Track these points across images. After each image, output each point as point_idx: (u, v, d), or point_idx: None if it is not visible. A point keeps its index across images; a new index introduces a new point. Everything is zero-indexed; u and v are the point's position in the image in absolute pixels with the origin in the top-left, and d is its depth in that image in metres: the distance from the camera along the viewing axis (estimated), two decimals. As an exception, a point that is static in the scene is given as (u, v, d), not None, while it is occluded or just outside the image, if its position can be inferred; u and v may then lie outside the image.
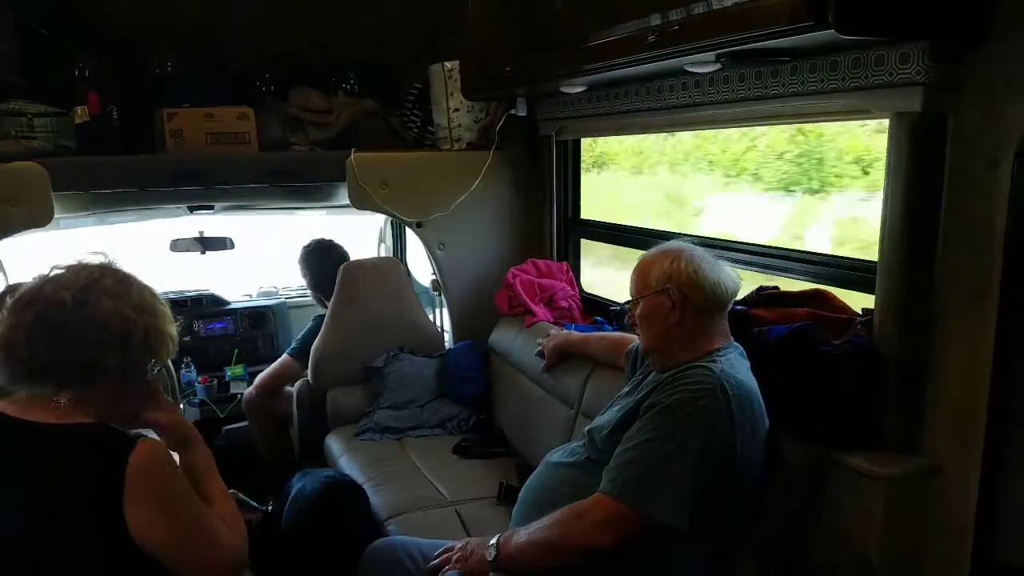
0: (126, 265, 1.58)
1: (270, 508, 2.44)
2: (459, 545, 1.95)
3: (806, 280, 2.17)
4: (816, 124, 2.36)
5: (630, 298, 1.98)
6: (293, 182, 3.28)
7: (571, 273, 3.40)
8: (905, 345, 1.77)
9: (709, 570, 1.80)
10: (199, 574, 1.50)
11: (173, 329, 1.59)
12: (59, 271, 1.50)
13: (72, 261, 1.52)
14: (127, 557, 1.39)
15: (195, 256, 4.25)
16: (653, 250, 1.97)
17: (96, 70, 3.22)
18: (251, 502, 2.10)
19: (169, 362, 2.98)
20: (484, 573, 1.86)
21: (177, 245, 4.18)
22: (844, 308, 1.97)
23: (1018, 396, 1.60)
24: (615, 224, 3.36)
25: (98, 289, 1.47)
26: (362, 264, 3.50)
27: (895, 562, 1.77)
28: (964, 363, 1.68)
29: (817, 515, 1.86)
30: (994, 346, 1.60)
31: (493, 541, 1.86)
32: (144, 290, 1.55)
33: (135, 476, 1.37)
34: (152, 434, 1.60)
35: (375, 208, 3.29)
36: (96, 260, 1.54)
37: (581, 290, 3.42)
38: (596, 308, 3.27)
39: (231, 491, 1.94)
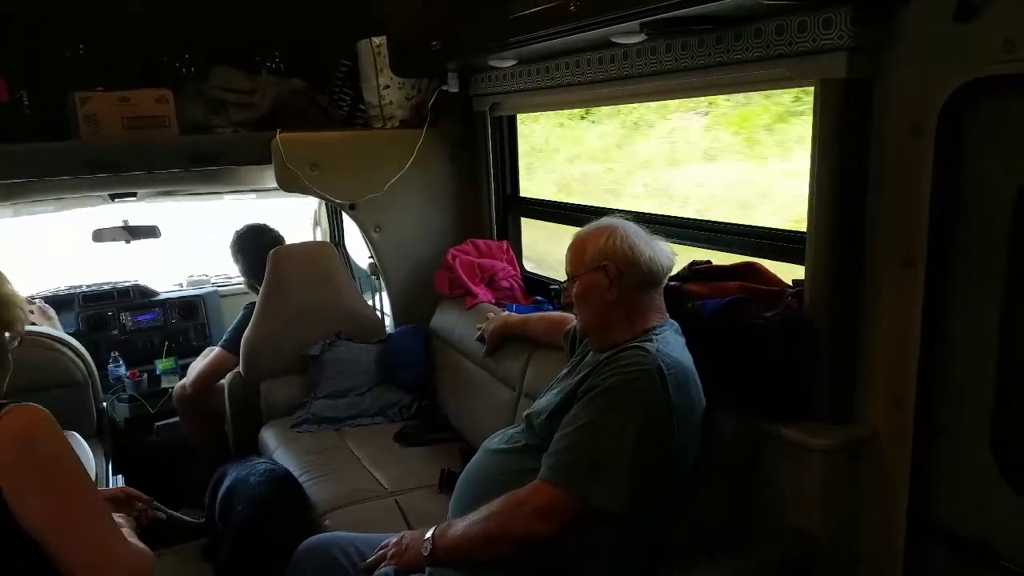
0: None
1: (202, 520, 2.37)
2: (394, 540, 1.89)
3: (738, 253, 2.15)
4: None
5: (567, 277, 1.94)
6: (216, 166, 3.12)
7: (511, 252, 3.35)
8: (835, 315, 1.77)
9: (649, 550, 1.77)
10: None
11: (7, 288, 1.46)
12: None
13: None
14: (14, 547, 1.28)
15: (121, 246, 4.06)
16: (587, 227, 1.93)
17: (3, 54, 3.02)
18: (184, 518, 2.01)
19: None
20: (420, 568, 1.80)
21: (101, 235, 3.99)
22: (775, 280, 1.96)
23: (945, 361, 1.61)
24: (554, 202, 3.31)
25: None
26: (292, 249, 3.37)
27: (833, 529, 1.78)
28: (894, 330, 1.68)
29: (755, 488, 1.86)
30: (922, 312, 1.60)
31: (429, 535, 1.81)
32: None
33: (5, 448, 1.26)
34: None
35: (304, 190, 3.16)
36: None
37: (522, 269, 3.37)
38: (538, 287, 3.23)
39: (160, 507, 1.85)
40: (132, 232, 3.97)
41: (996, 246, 1.47)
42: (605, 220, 1.93)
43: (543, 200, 3.34)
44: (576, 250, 1.91)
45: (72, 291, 4.16)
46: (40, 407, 1.36)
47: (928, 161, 1.54)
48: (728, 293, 1.92)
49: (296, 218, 4.60)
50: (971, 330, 1.55)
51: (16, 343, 1.47)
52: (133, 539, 1.54)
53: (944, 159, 1.53)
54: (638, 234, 1.87)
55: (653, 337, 1.78)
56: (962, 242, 1.54)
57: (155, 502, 1.86)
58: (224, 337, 3.48)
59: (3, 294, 1.42)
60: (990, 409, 1.52)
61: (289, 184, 3.13)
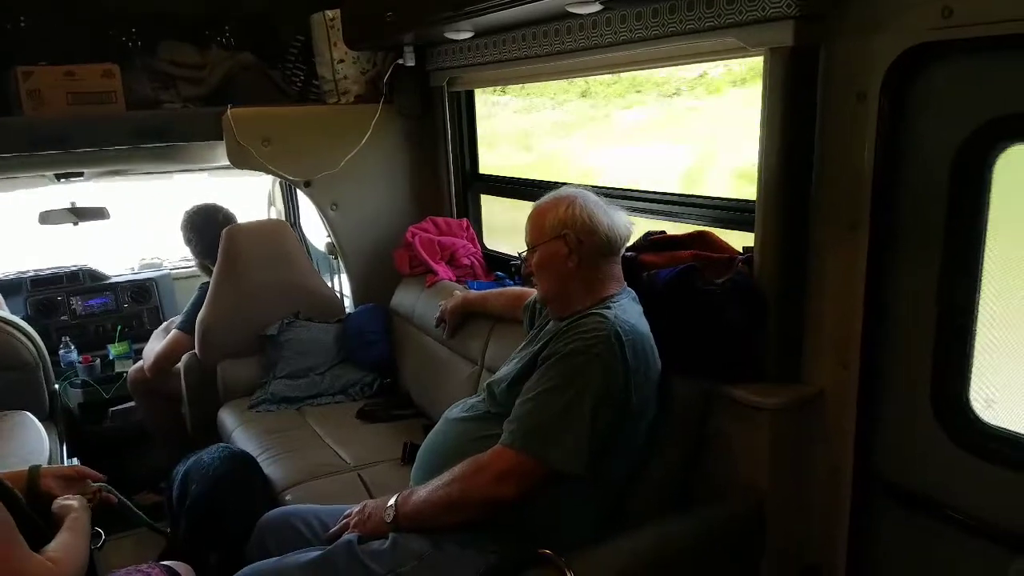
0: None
1: (168, 529, 2.35)
2: (356, 509, 1.89)
3: (692, 223, 2.19)
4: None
5: (527, 247, 1.95)
6: (165, 142, 3.05)
7: (472, 230, 3.34)
8: (783, 280, 1.82)
9: (608, 511, 1.81)
10: None
11: None
12: None
13: None
14: None
15: (69, 229, 3.95)
16: (546, 197, 1.94)
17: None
18: (153, 524, 2.00)
19: None
20: (384, 535, 1.81)
21: (48, 217, 3.87)
22: (725, 247, 2.00)
23: (888, 321, 1.66)
24: (514, 178, 3.31)
25: None
26: (246, 227, 3.31)
27: (782, 484, 1.84)
28: (839, 293, 1.74)
29: (707, 448, 1.91)
30: (866, 274, 1.65)
31: (391, 502, 1.82)
32: None
33: None
34: None
35: (257, 167, 3.11)
36: None
37: (483, 246, 3.37)
38: (499, 264, 3.23)
39: (112, 491, 1.81)
40: (79, 214, 3.87)
41: (935, 209, 1.53)
42: (564, 190, 1.95)
43: (503, 177, 3.33)
44: (535, 220, 1.92)
45: (20, 276, 4.04)
46: None
47: (872, 127, 1.59)
48: (682, 262, 1.95)
49: (250, 200, 4.53)
50: (912, 292, 1.61)
51: None
52: (69, 536, 1.50)
53: (887, 125, 1.57)
54: (597, 204, 1.89)
55: (611, 304, 1.81)
56: (904, 206, 1.60)
57: (108, 486, 1.83)
58: (180, 318, 3.42)
59: None
60: (930, 368, 1.58)
61: (241, 161, 3.08)
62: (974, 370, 1.51)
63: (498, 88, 3.38)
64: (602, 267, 1.87)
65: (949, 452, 1.57)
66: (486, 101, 3.46)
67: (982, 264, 1.47)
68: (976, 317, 1.49)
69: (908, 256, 1.61)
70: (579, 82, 3.07)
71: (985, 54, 1.43)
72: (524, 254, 1.98)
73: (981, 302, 1.48)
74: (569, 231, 1.84)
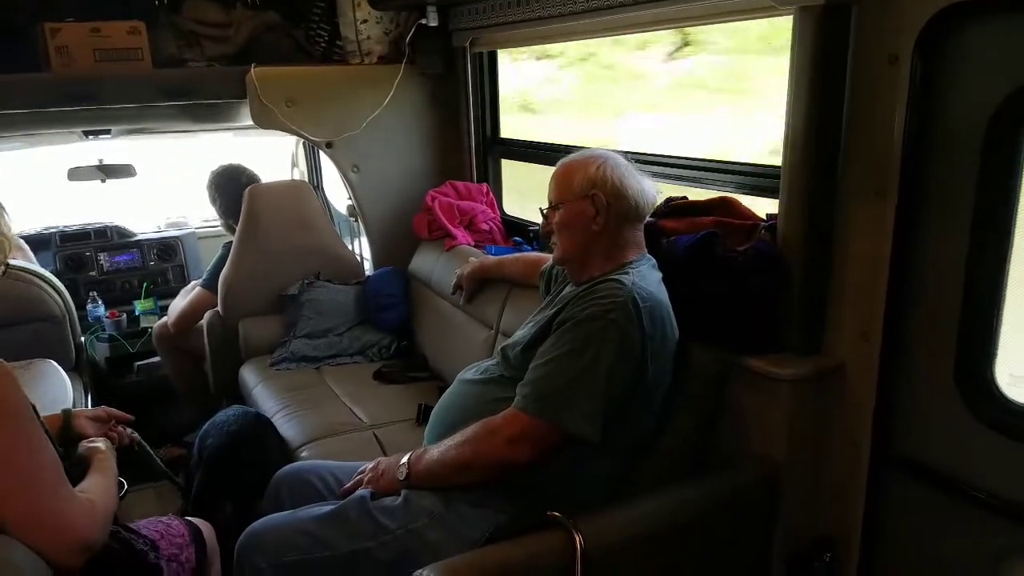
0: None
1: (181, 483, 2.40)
2: (370, 466, 1.91)
3: (715, 189, 2.14)
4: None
5: (549, 204, 1.89)
6: (189, 100, 3.05)
7: (491, 195, 3.32)
8: (807, 248, 1.77)
9: (621, 477, 1.81)
10: (21, 527, 1.31)
11: None
12: None
13: None
14: None
15: (99, 188, 4.00)
16: (575, 155, 1.89)
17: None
18: (169, 473, 2.06)
19: None
20: (396, 492, 1.83)
21: (76, 174, 3.92)
22: (749, 214, 1.96)
23: (913, 294, 1.62)
24: (535, 142, 3.26)
25: None
26: (268, 187, 3.32)
27: (798, 457, 1.82)
28: (864, 263, 1.69)
29: (724, 417, 1.89)
30: (892, 244, 1.60)
31: (404, 460, 1.83)
32: None
33: None
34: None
35: (280, 127, 3.10)
36: None
37: (502, 212, 3.35)
38: (517, 230, 3.21)
39: (139, 440, 1.85)
40: (107, 171, 3.90)
41: (965, 177, 1.47)
42: (593, 150, 1.90)
43: (524, 141, 3.29)
44: (563, 177, 1.86)
45: (49, 231, 4.11)
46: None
47: (903, 91, 1.53)
48: (703, 228, 1.91)
49: (276, 160, 4.54)
50: (938, 263, 1.57)
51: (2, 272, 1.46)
52: (100, 478, 1.54)
53: (918, 89, 1.51)
54: (627, 167, 1.85)
55: (629, 270, 1.78)
56: (934, 174, 1.54)
57: (133, 430, 1.87)
58: (204, 276, 3.46)
59: None
60: (954, 343, 1.54)
61: (264, 121, 3.07)
62: (1000, 346, 1.47)
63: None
64: (625, 232, 1.84)
65: (972, 429, 1.53)
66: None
67: (1013, 237, 1.42)
68: (1004, 292, 1.45)
69: (936, 227, 1.56)
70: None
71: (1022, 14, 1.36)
72: (546, 211, 1.92)
73: (1010, 276, 1.44)
74: (599, 192, 1.79)
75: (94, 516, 1.43)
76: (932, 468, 1.64)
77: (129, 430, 1.84)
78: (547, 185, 1.91)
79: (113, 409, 1.84)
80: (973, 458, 1.55)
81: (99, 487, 1.53)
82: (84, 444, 1.68)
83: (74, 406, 2.50)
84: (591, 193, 1.80)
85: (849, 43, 1.65)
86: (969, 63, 1.46)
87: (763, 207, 1.99)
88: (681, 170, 2.30)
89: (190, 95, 3.06)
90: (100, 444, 1.68)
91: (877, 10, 1.58)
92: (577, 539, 1.52)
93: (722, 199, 2.02)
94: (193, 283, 3.59)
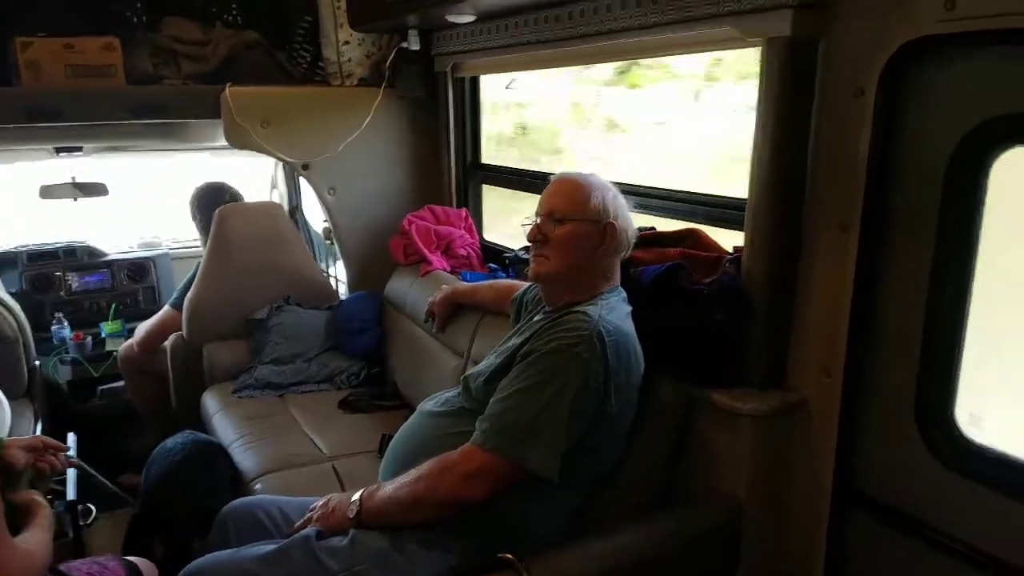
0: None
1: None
2: (321, 502, 1.84)
3: (684, 220, 2.11)
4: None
5: (551, 215, 1.79)
6: (162, 118, 3.01)
7: (470, 220, 3.29)
8: (770, 282, 1.74)
9: (581, 511, 1.75)
10: None
11: None
12: None
13: None
14: None
15: (71, 204, 3.94)
16: (582, 174, 1.85)
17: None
18: (121, 493, 1.99)
19: None
20: (345, 530, 1.75)
21: (49, 192, 3.86)
22: (714, 246, 1.93)
23: (875, 331, 1.59)
24: (516, 169, 3.24)
25: None
26: (239, 208, 3.27)
27: (761, 493, 1.78)
28: (827, 299, 1.66)
29: (687, 452, 1.84)
30: (854, 279, 1.57)
31: (356, 497, 1.75)
32: None
33: None
34: None
35: (254, 147, 3.06)
36: None
37: (481, 238, 3.31)
38: (495, 256, 3.17)
39: (81, 463, 1.79)
40: (80, 189, 3.84)
41: (927, 214, 1.45)
42: (595, 175, 1.85)
43: (505, 167, 3.27)
44: (574, 193, 1.79)
45: (16, 250, 4.04)
46: None
47: (868, 123, 1.51)
48: (670, 259, 1.89)
49: (261, 181, 4.49)
50: (900, 300, 1.53)
51: None
52: (40, 532, 1.51)
53: (883, 121, 1.49)
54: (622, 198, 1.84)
55: (599, 302, 1.74)
56: (896, 208, 1.52)
57: (73, 456, 1.80)
58: (174, 295, 3.40)
59: None
60: (915, 380, 1.50)
61: (238, 140, 3.03)
62: (961, 385, 1.43)
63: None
64: (611, 263, 1.82)
65: (931, 468, 1.49)
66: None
67: (973, 275, 1.38)
68: (965, 330, 1.41)
69: (898, 262, 1.53)
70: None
71: (986, 50, 1.34)
72: (539, 220, 1.82)
73: (971, 314, 1.40)
74: (612, 222, 1.76)
75: (32, 567, 1.40)
76: (893, 507, 1.59)
77: (67, 455, 1.77)
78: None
79: (48, 438, 1.78)
80: (931, 498, 1.51)
81: (38, 540, 1.49)
82: (28, 495, 1.63)
83: (24, 434, 2.41)
84: (605, 221, 1.76)
85: (816, 76, 1.63)
86: (933, 97, 1.44)
87: (731, 240, 1.96)
88: (646, 199, 2.27)
89: (163, 113, 3.02)
90: (41, 500, 1.63)
91: (844, 44, 1.57)
92: (528, 582, 1.45)
93: (690, 231, 1.99)
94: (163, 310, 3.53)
